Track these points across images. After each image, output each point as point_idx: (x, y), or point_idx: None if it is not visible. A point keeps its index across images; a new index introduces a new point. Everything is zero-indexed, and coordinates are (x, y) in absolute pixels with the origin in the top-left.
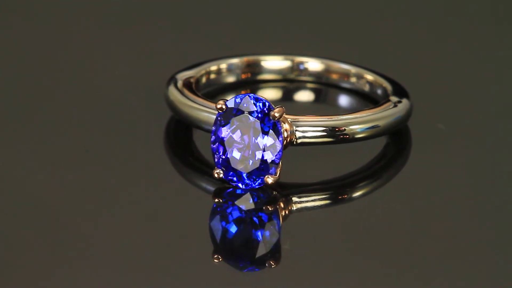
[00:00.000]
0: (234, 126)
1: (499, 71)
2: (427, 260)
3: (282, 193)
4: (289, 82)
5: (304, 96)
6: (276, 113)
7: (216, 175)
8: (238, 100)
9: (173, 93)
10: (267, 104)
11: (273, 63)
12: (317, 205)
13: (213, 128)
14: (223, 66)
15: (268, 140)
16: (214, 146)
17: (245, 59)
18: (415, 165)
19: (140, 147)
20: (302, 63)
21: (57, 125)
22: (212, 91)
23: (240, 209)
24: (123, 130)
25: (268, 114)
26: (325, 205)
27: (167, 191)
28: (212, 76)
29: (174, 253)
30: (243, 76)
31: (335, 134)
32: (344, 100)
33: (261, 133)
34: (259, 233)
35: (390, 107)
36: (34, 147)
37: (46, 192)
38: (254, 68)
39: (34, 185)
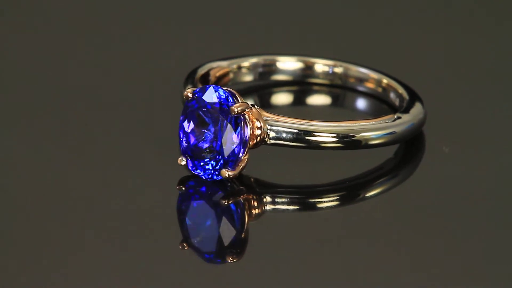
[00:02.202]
0: (201, 116)
1: None
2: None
3: (257, 191)
4: (307, 85)
5: (320, 99)
6: (235, 108)
7: (179, 162)
8: (206, 91)
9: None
10: (232, 98)
11: (290, 64)
12: (289, 208)
13: (181, 117)
14: (245, 64)
15: (232, 134)
16: (180, 135)
17: (262, 59)
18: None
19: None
20: (323, 65)
21: (68, 123)
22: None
23: (203, 200)
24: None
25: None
26: (297, 208)
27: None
28: (231, 74)
29: (175, 252)
30: (260, 77)
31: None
32: (361, 104)
33: (225, 127)
34: (221, 226)
35: (387, 121)
36: (45, 143)
37: (52, 187)
38: (272, 68)
39: (42, 178)
